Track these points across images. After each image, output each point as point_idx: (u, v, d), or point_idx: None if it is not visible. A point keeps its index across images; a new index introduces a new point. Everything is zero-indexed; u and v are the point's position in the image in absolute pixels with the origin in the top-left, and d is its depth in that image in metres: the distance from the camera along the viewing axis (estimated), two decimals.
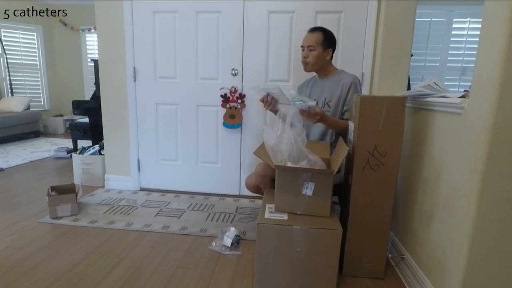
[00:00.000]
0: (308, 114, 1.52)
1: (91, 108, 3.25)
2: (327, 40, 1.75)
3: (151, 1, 2.35)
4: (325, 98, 1.80)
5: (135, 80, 2.50)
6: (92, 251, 1.65)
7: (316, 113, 1.52)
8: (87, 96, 5.55)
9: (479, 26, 0.98)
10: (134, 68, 2.48)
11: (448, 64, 3.97)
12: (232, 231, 1.76)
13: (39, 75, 5.48)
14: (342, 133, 1.74)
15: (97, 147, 2.84)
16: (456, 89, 3.92)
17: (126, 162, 2.59)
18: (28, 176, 2.95)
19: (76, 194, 2.10)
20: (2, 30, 4.93)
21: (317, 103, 1.82)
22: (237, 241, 1.75)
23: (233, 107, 2.38)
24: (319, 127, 1.82)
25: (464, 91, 1.26)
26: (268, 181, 1.72)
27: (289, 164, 1.36)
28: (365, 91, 2.19)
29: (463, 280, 1.03)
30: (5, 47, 4.98)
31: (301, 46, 1.80)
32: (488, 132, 0.94)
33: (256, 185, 1.81)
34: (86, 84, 5.62)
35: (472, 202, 0.99)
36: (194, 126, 2.50)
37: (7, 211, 2.14)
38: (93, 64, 3.40)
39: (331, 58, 1.82)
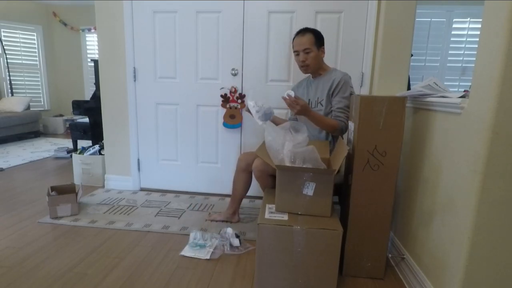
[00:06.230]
0: (290, 103, 1.58)
1: (91, 108, 3.25)
2: (319, 39, 1.77)
3: (151, 1, 2.35)
4: (318, 97, 1.81)
5: (135, 80, 2.50)
6: (92, 251, 1.65)
7: (297, 103, 1.57)
8: (87, 96, 5.55)
9: (479, 26, 0.98)
10: (134, 68, 2.48)
11: (448, 64, 3.97)
12: (230, 232, 1.75)
13: (39, 75, 5.47)
14: (328, 130, 1.75)
15: (97, 147, 2.83)
16: (456, 89, 3.92)
17: (126, 162, 2.59)
18: (28, 176, 2.95)
19: (76, 194, 2.10)
20: (2, 30, 4.93)
21: (310, 103, 1.83)
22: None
23: (233, 107, 2.38)
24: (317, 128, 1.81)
25: (464, 91, 1.26)
26: (265, 176, 1.71)
27: (289, 164, 1.36)
28: (365, 91, 2.19)
29: (463, 280, 1.03)
30: (5, 47, 4.97)
31: (295, 51, 1.80)
32: (488, 132, 0.94)
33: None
34: (86, 84, 5.62)
35: (472, 202, 0.99)
36: (194, 126, 2.50)
37: (7, 211, 2.14)
38: (93, 64, 3.40)
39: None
